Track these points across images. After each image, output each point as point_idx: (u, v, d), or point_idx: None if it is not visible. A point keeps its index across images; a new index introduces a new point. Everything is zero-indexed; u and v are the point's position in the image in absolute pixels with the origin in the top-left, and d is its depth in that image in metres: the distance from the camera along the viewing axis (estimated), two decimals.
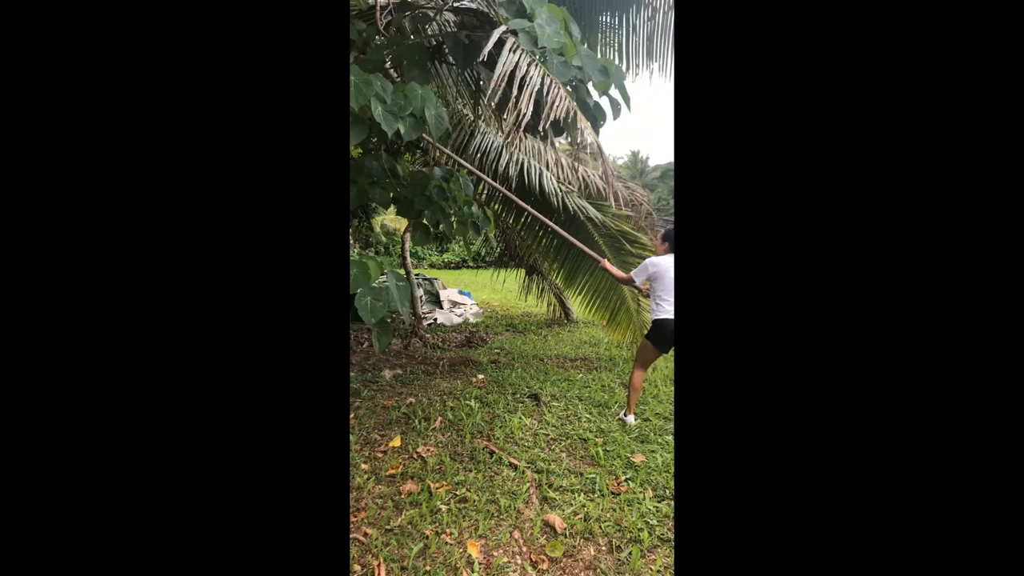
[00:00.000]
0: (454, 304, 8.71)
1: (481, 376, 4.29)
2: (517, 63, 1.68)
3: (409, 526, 2.13)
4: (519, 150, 4.75)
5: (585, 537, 2.09)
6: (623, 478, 2.56)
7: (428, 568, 1.86)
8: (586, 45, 4.67)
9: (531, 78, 1.65)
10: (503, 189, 3.55)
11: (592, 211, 4.29)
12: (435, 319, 7.25)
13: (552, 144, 5.34)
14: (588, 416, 3.43)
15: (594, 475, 2.57)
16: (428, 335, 5.85)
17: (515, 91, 1.55)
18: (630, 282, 3.40)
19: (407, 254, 6.66)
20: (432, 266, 21.06)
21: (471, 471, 2.59)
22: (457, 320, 7.38)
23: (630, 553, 1.97)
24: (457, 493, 2.38)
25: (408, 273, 6.60)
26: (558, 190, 4.40)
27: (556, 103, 1.59)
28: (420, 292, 8.15)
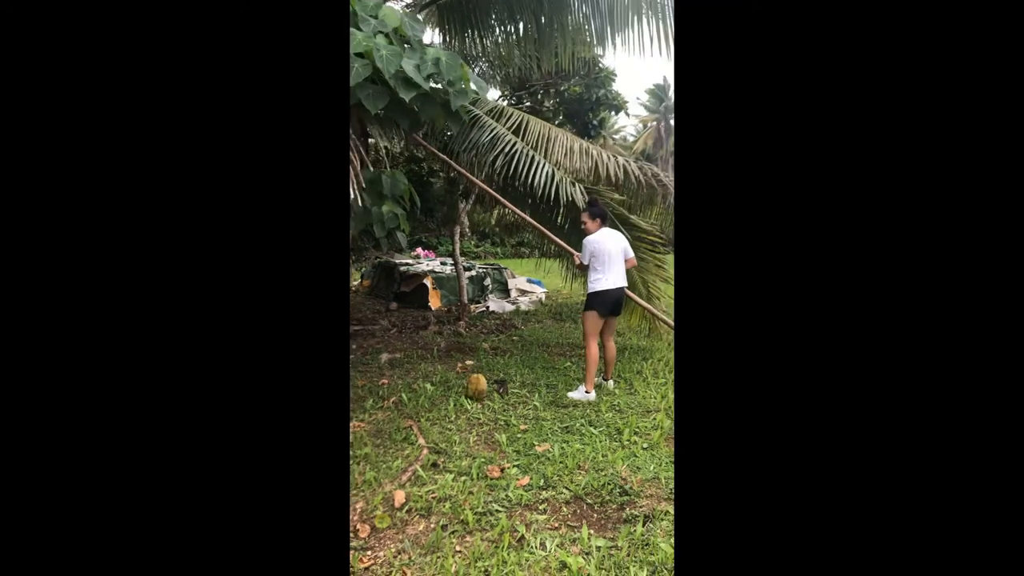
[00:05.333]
0: (522, 292, 8.91)
1: (469, 362, 4.47)
2: None
3: None
4: (521, 141, 4.79)
5: (422, 514, 2.21)
6: (508, 465, 2.61)
7: None
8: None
9: None
10: (477, 180, 3.68)
11: (578, 196, 4.20)
12: (487, 307, 7.52)
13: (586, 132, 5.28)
14: (537, 404, 3.45)
15: (483, 459, 2.65)
16: (463, 322, 6.14)
17: None
18: (583, 267, 3.66)
19: (456, 244, 7.02)
20: (544, 255, 21.53)
21: (375, 447, 2.83)
22: (509, 308, 7.58)
23: (442, 527, 2.07)
24: None
25: (456, 263, 6.97)
26: (548, 179, 4.37)
27: None
28: (488, 281, 8.52)
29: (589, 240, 3.59)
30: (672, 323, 4.20)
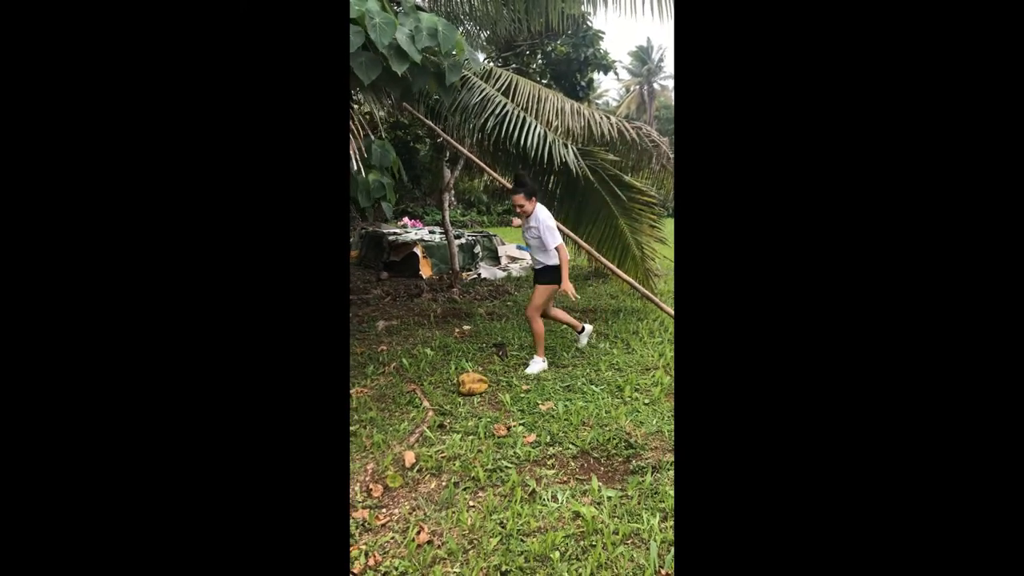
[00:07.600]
0: (512, 259, 8.90)
1: (467, 327, 4.48)
2: None
3: None
4: (511, 102, 4.70)
5: (432, 473, 2.25)
6: (514, 423, 2.64)
7: None
8: None
9: None
10: (458, 146, 3.61)
11: (571, 158, 4.15)
12: (479, 274, 7.50)
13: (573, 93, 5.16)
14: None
15: (489, 419, 2.68)
16: (456, 289, 6.13)
17: None
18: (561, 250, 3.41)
19: (446, 212, 6.94)
20: None
21: (380, 411, 2.84)
22: (501, 275, 7.57)
23: (455, 484, 2.10)
24: (351, 428, 2.65)
25: (447, 231, 6.91)
26: (540, 140, 4.30)
27: None
28: (478, 249, 8.47)
29: (549, 217, 3.38)
30: (668, 306, 4.22)
